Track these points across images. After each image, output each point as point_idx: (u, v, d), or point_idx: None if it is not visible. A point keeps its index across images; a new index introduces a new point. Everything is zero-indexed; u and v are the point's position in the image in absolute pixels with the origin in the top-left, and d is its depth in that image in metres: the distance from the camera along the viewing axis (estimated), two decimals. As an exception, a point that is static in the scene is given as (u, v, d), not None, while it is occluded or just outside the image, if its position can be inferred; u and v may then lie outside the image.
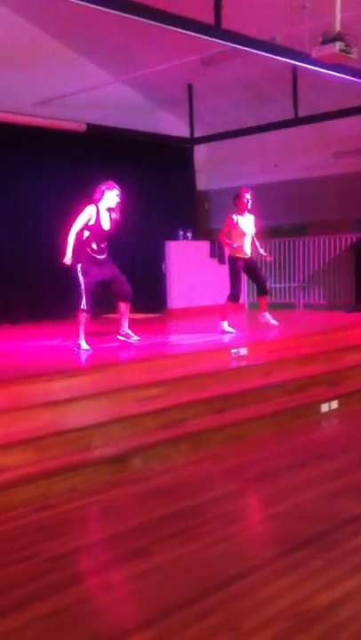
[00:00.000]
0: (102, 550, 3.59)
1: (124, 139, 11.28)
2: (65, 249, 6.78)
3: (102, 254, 6.90)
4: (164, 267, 11.18)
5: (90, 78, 10.64)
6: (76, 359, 6.56)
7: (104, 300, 7.34)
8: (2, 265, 10.17)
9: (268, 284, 8.84)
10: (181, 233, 11.55)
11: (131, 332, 7.18)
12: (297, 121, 10.77)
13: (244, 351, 6.94)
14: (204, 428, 5.34)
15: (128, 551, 3.48)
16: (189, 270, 11.29)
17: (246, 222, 8.17)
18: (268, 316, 8.46)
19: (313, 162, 11.80)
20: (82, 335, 6.81)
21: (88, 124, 10.55)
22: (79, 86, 10.23)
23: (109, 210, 6.85)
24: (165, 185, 12.09)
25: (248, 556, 3.36)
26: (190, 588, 3.04)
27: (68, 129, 10.41)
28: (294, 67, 9.46)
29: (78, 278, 6.78)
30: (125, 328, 7.18)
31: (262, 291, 8.58)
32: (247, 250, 8.20)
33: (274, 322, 8.39)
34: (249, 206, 8.17)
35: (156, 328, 9.04)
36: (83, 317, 6.81)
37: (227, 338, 7.85)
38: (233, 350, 6.90)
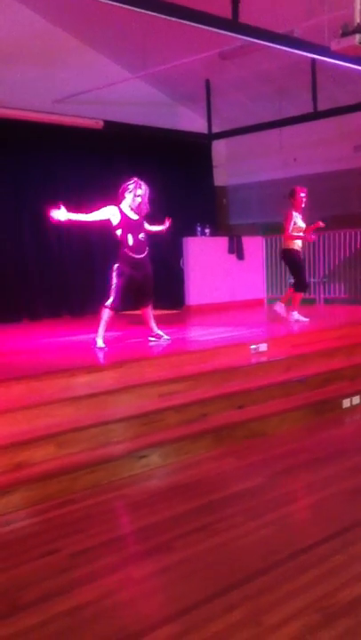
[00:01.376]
0: (125, 545, 3.59)
1: (141, 135, 11.27)
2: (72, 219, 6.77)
3: (141, 252, 6.80)
4: (182, 263, 11.16)
5: (107, 75, 10.66)
6: (96, 355, 6.57)
7: (127, 297, 7.31)
8: (23, 261, 10.22)
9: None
10: (199, 229, 11.52)
11: (161, 332, 7.20)
12: (316, 115, 10.68)
13: (263, 347, 6.91)
14: (224, 423, 5.33)
15: (151, 546, 3.47)
16: (208, 266, 11.27)
17: (300, 218, 8.49)
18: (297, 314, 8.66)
19: (333, 155, 11.72)
20: (101, 332, 6.80)
21: (105, 121, 10.55)
22: (97, 83, 10.24)
23: (133, 209, 6.82)
24: (183, 181, 12.08)
25: (271, 551, 3.34)
26: (214, 583, 3.04)
27: (85, 126, 10.42)
28: (313, 60, 9.38)
29: (112, 277, 6.78)
30: (155, 329, 7.19)
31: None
32: (300, 244, 8.63)
33: (304, 319, 8.57)
34: (303, 204, 8.50)
35: (176, 324, 9.03)
36: (106, 314, 6.78)
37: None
38: (252, 346, 6.87)
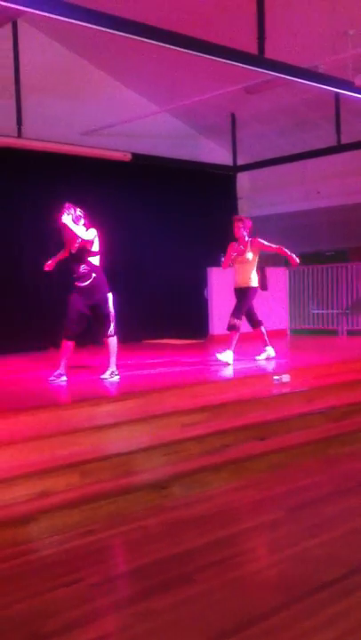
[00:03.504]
0: (145, 576, 3.59)
1: (168, 167, 11.44)
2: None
3: (83, 281, 6.78)
4: (206, 292, 11.22)
5: (135, 108, 10.86)
6: (119, 385, 6.62)
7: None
8: (48, 290, 10.30)
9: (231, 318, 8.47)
10: (223, 259, 11.57)
11: (61, 373, 6.81)
12: (339, 148, 10.79)
13: (286, 378, 6.93)
14: (245, 455, 5.33)
15: (170, 578, 3.48)
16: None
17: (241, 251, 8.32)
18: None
19: (355, 188, 11.79)
20: (112, 360, 6.88)
21: (133, 154, 10.72)
22: (124, 116, 10.45)
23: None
24: (208, 212, 12.20)
25: (290, 586, 3.33)
26: (232, 618, 3.03)
27: (113, 158, 10.60)
28: (337, 94, 9.50)
29: None
30: (62, 369, 6.82)
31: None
32: (236, 279, 8.52)
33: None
34: (239, 234, 8.44)
35: (199, 354, 9.06)
36: (111, 342, 6.83)
37: (270, 364, 7.86)
38: (275, 377, 6.89)
